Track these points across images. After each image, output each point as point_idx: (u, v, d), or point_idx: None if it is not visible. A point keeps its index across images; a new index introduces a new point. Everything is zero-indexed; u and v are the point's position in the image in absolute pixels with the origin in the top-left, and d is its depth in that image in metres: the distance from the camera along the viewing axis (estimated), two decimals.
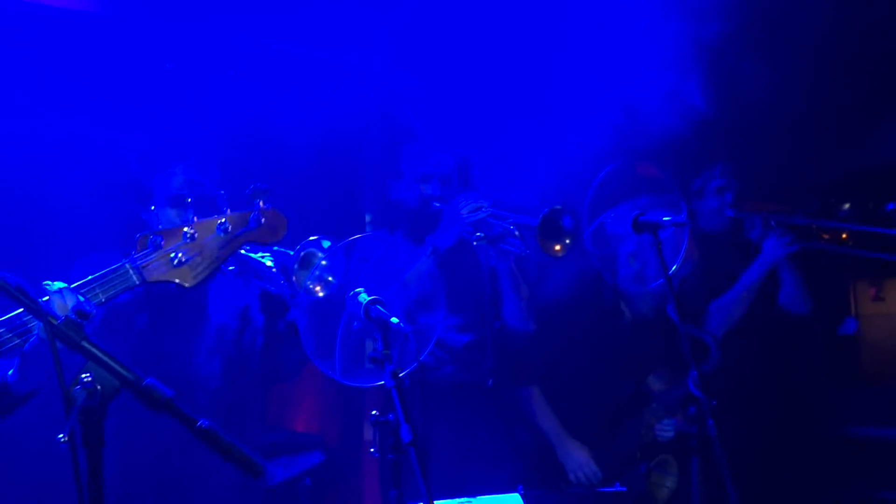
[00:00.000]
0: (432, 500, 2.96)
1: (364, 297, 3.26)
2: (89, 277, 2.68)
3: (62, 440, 2.13)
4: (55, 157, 4.48)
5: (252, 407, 4.12)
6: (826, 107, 5.06)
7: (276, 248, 3.78)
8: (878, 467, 4.97)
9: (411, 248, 4.18)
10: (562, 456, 4.63)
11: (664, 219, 3.64)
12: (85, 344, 2.21)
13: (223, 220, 2.78)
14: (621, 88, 4.79)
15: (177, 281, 2.76)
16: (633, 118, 4.76)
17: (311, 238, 3.73)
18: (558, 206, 3.98)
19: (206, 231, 2.76)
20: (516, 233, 4.15)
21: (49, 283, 2.61)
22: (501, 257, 4.27)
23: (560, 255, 3.99)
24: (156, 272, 2.73)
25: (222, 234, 2.77)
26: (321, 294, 3.66)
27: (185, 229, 2.75)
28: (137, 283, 2.71)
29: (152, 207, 3.90)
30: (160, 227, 2.86)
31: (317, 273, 3.65)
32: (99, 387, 2.20)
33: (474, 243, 4.23)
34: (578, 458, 4.60)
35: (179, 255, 2.73)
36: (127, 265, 2.71)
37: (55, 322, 2.20)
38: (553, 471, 4.55)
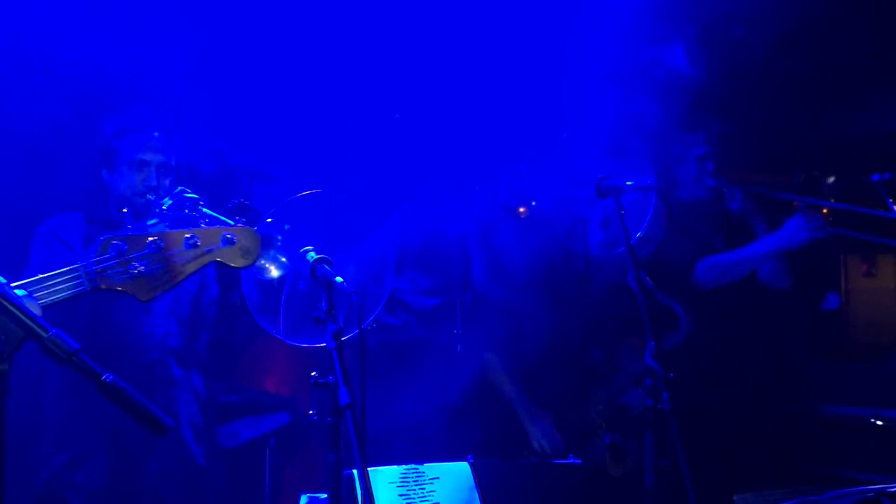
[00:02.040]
0: (366, 466, 2.92)
1: (312, 256, 3.19)
2: (39, 276, 2.55)
3: None
4: (24, 109, 4.35)
5: (210, 366, 4.10)
6: (812, 75, 4.92)
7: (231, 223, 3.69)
8: (850, 445, 4.89)
9: (373, 213, 4.11)
10: (526, 424, 4.59)
11: (627, 183, 3.53)
12: None
13: (192, 233, 2.63)
14: (603, 53, 4.67)
15: (131, 293, 2.59)
16: (617, 82, 4.65)
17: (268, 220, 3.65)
18: (521, 167, 3.89)
19: (173, 243, 2.60)
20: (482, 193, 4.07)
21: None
22: (470, 221, 4.21)
23: (524, 216, 3.90)
24: (111, 280, 2.58)
25: (190, 250, 2.63)
26: (275, 275, 3.58)
27: (151, 238, 2.59)
28: (88, 289, 2.57)
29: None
30: (129, 226, 2.68)
31: (272, 253, 3.56)
32: (2, 336, 2.15)
33: None
34: (542, 427, 4.55)
35: (140, 266, 2.57)
36: (81, 270, 2.57)
37: None
38: (512, 440, 4.50)
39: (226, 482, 4.24)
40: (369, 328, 3.87)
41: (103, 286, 2.54)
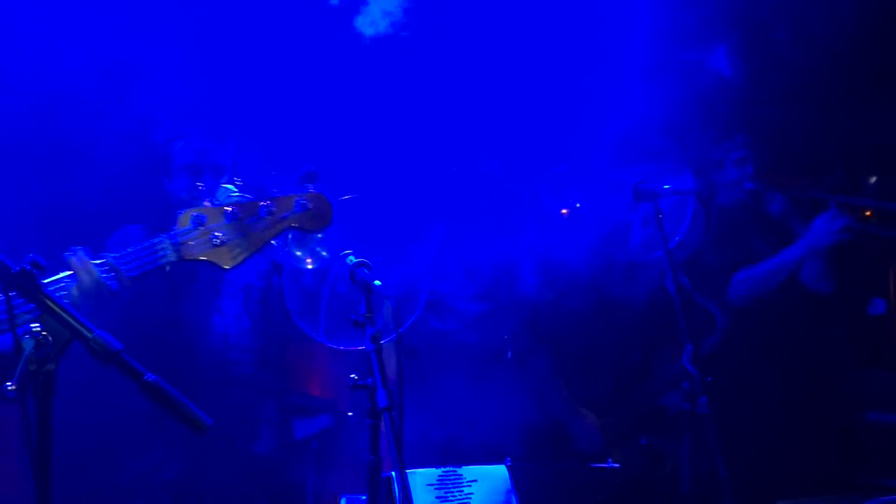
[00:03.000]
0: (404, 468, 2.95)
1: (351, 259, 3.24)
2: (129, 249, 2.67)
3: (9, 388, 2.16)
4: (83, 128, 4.43)
5: (278, 365, 4.15)
6: (853, 76, 4.85)
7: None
8: (894, 453, 4.81)
9: (417, 217, 4.14)
10: (571, 425, 4.60)
11: (665, 186, 3.52)
12: (39, 295, 2.23)
13: (267, 202, 2.71)
14: (644, 55, 4.67)
15: (214, 261, 2.70)
16: (656, 84, 4.64)
17: None
18: (562, 168, 3.91)
19: (249, 212, 2.70)
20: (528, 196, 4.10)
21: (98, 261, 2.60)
22: (516, 225, 4.23)
23: (566, 218, 3.91)
24: (194, 250, 2.68)
25: (266, 217, 2.71)
26: (311, 266, 3.63)
27: (228, 209, 2.69)
28: (174, 259, 2.67)
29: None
30: (206, 202, 2.76)
31: (311, 245, 3.62)
32: (49, 337, 2.22)
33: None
34: (587, 427, 4.56)
35: (220, 234, 2.67)
36: (166, 241, 2.67)
37: (10, 272, 2.22)
38: (554, 444, 4.51)
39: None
40: (411, 332, 3.91)
41: (187, 256, 2.64)
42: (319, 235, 3.60)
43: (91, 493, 3.61)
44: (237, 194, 2.74)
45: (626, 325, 4.62)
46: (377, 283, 3.12)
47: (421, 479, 3.50)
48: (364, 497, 3.44)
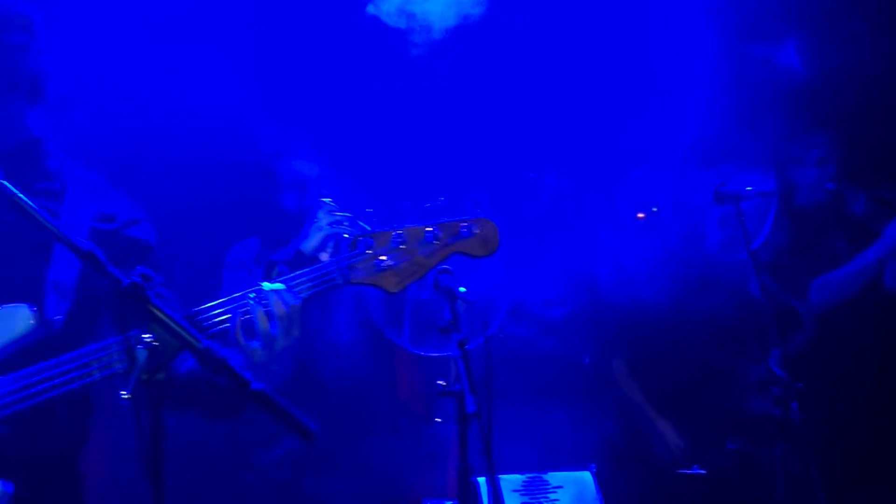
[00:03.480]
0: (494, 473, 2.97)
1: (436, 267, 3.27)
2: (297, 273, 2.69)
3: (124, 397, 2.22)
4: (201, 145, 4.56)
5: (387, 372, 4.21)
6: None
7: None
8: None
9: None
10: (650, 431, 4.58)
11: (747, 189, 3.49)
12: (148, 306, 2.29)
13: (434, 227, 2.74)
14: (712, 52, 4.64)
15: (379, 285, 2.72)
16: (728, 82, 4.61)
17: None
18: (639, 172, 3.90)
19: (415, 237, 2.73)
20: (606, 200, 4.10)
21: (266, 283, 2.64)
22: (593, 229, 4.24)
23: (643, 220, 3.91)
24: (360, 274, 2.71)
25: (433, 242, 2.74)
26: None
27: (395, 233, 2.72)
28: (341, 283, 2.70)
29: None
30: (371, 229, 2.78)
31: None
32: (160, 347, 2.28)
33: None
34: (667, 433, 4.53)
35: (386, 259, 2.70)
36: (335, 266, 2.71)
37: (121, 284, 2.28)
38: (637, 451, 4.49)
39: None
40: (494, 337, 3.94)
41: (354, 280, 2.67)
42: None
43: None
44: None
45: (706, 328, 4.57)
46: (462, 289, 3.15)
47: (506, 484, 3.51)
48: (448, 501, 3.48)
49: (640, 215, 3.93)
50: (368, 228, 3.75)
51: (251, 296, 2.62)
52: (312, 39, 4.68)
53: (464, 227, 2.71)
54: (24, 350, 2.54)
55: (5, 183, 2.34)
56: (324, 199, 3.85)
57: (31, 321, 2.55)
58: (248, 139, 4.33)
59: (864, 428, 4.37)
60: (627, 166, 4.19)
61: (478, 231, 2.71)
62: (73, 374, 2.53)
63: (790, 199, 4.50)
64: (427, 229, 2.68)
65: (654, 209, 3.99)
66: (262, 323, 2.60)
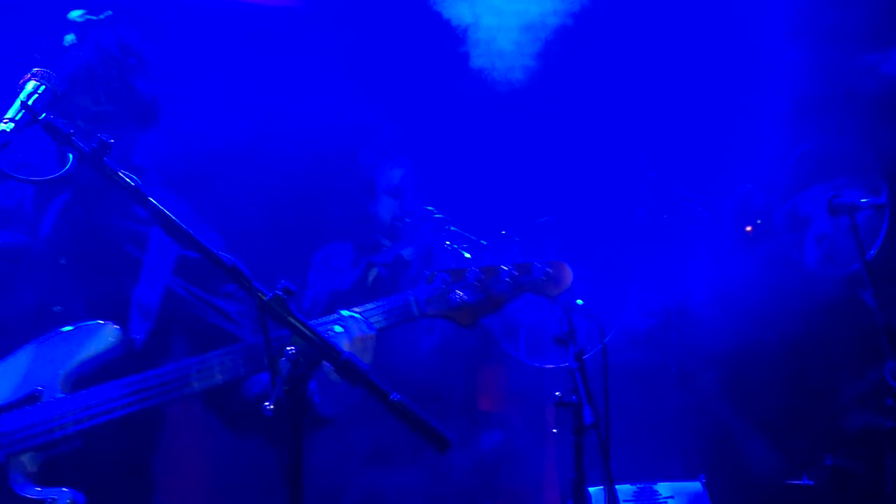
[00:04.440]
0: (613, 483, 3.00)
1: None
2: (373, 305, 2.77)
3: (269, 408, 2.29)
4: (290, 146, 4.70)
5: (458, 384, 4.28)
6: None
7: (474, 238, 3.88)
8: None
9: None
10: (743, 444, 4.55)
11: (862, 200, 3.46)
12: (290, 319, 2.36)
13: (509, 267, 2.83)
14: (813, 58, 4.60)
15: (453, 319, 2.81)
16: (829, 90, 4.56)
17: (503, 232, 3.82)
18: (750, 186, 3.89)
19: (490, 275, 2.82)
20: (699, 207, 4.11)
21: (344, 311, 2.72)
22: (690, 241, 4.24)
23: (750, 233, 3.90)
24: (435, 308, 2.80)
25: (507, 280, 2.82)
26: None
27: (471, 269, 2.83)
28: (417, 316, 2.79)
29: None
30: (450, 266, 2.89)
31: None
32: (301, 358, 2.36)
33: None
34: (756, 448, 4.51)
35: (462, 294, 2.79)
36: (412, 299, 2.80)
37: (264, 298, 2.36)
38: (735, 460, 4.47)
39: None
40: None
41: (429, 313, 2.76)
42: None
43: None
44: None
45: (802, 343, 4.54)
46: (580, 302, 3.19)
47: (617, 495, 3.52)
48: None
49: (748, 228, 3.92)
50: (470, 237, 3.86)
51: (335, 318, 2.68)
52: (412, 60, 4.80)
53: (537, 267, 2.78)
54: (106, 366, 2.62)
55: (153, 201, 2.43)
56: (427, 208, 3.94)
57: (115, 339, 2.64)
58: (348, 149, 4.48)
59: None
60: (736, 180, 4.18)
61: (550, 272, 2.79)
62: (176, 384, 2.61)
63: None
64: (503, 268, 2.76)
65: (759, 221, 3.98)
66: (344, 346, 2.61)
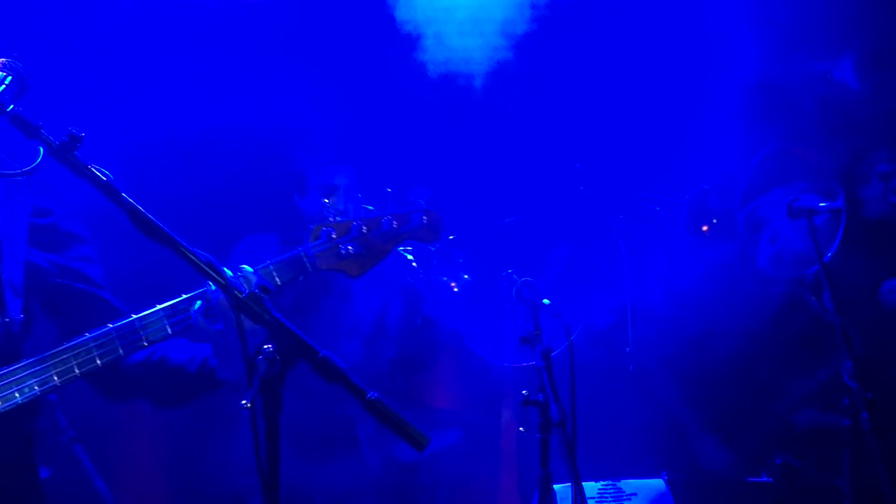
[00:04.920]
0: (580, 481, 3.03)
1: (516, 279, 3.35)
2: (267, 262, 2.81)
3: (246, 406, 2.27)
4: (217, 141, 4.71)
5: (386, 384, 4.29)
6: None
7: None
8: None
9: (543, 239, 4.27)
10: (694, 442, 4.63)
11: (820, 204, 3.56)
12: (267, 316, 2.35)
13: (388, 217, 2.91)
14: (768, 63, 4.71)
15: (344, 271, 2.89)
16: (785, 95, 4.67)
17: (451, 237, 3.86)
18: (706, 187, 3.97)
19: (372, 227, 2.90)
20: (657, 207, 4.17)
21: (242, 266, 2.73)
22: (646, 240, 4.31)
23: (706, 234, 3.98)
24: (326, 262, 2.87)
25: (388, 230, 2.90)
26: (455, 290, 3.79)
27: (354, 223, 2.88)
28: (311, 271, 2.85)
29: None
30: (332, 218, 2.96)
31: (453, 269, 3.78)
32: (279, 357, 2.34)
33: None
34: (709, 446, 4.59)
35: (349, 247, 2.87)
36: (302, 254, 2.84)
37: (240, 296, 2.34)
38: (690, 457, 4.55)
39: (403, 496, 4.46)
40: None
41: (321, 267, 2.84)
42: (432, 248, 3.77)
43: None
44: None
45: (754, 343, 4.63)
46: (546, 301, 3.22)
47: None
48: None
49: (705, 228, 4.00)
50: None
51: (213, 287, 2.68)
52: (357, 59, 4.81)
53: (415, 216, 2.89)
54: None
55: (126, 197, 2.40)
56: (367, 207, 3.97)
57: None
58: (279, 145, 4.51)
59: None
60: (695, 181, 4.25)
61: (426, 220, 2.89)
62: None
63: (856, 215, 4.55)
64: (384, 218, 2.87)
65: (715, 221, 4.06)
66: (224, 307, 2.68)
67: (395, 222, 2.88)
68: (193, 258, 2.37)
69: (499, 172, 4.48)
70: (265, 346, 2.32)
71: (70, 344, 2.66)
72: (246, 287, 2.55)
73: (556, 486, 3.31)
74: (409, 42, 4.79)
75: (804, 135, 4.53)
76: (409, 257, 3.96)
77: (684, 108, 4.60)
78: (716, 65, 4.77)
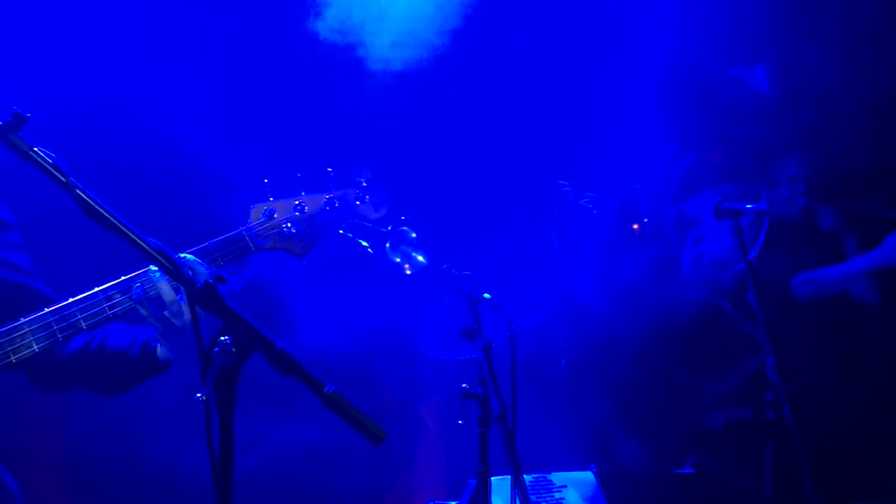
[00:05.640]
0: (521, 473, 3.06)
1: (455, 273, 3.35)
2: (209, 243, 2.76)
3: (200, 399, 2.21)
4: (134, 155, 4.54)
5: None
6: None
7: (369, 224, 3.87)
8: None
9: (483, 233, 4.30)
10: (613, 439, 4.74)
11: (747, 206, 3.68)
12: (222, 307, 2.29)
13: (329, 195, 2.89)
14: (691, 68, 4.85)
15: (287, 250, 2.87)
16: (701, 102, 4.82)
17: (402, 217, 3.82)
18: (637, 186, 4.06)
19: (314, 205, 2.88)
20: (590, 206, 4.24)
21: (182, 254, 2.67)
22: (580, 235, 4.37)
23: (637, 232, 4.07)
24: (268, 241, 2.84)
25: (328, 209, 2.89)
26: (409, 272, 3.75)
27: (296, 202, 2.86)
28: (253, 250, 2.81)
29: None
30: (271, 198, 2.93)
31: (407, 250, 3.73)
32: (235, 349, 2.29)
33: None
34: (627, 443, 4.71)
35: (289, 226, 2.84)
36: (244, 233, 2.81)
37: (194, 287, 2.28)
38: (618, 451, 4.65)
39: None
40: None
41: (263, 247, 2.82)
42: (413, 235, 3.74)
43: None
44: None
45: (673, 344, 4.77)
46: (487, 295, 3.24)
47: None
48: (452, 502, 3.56)
49: (635, 226, 4.10)
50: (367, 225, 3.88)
51: (153, 269, 2.66)
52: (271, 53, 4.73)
53: (355, 193, 2.90)
54: None
55: (72, 180, 2.30)
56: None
57: None
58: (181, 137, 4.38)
59: (839, 429, 4.60)
60: (627, 180, 4.35)
61: (368, 198, 2.91)
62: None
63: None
64: (326, 197, 2.87)
65: (646, 220, 4.16)
66: (168, 294, 2.65)
67: (336, 201, 2.88)
68: (143, 245, 2.30)
69: (437, 167, 4.47)
70: (222, 338, 2.27)
71: (3, 328, 2.55)
72: (198, 277, 2.49)
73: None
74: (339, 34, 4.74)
75: (720, 138, 4.68)
76: (364, 243, 3.90)
77: (617, 110, 4.68)
78: (638, 67, 4.88)
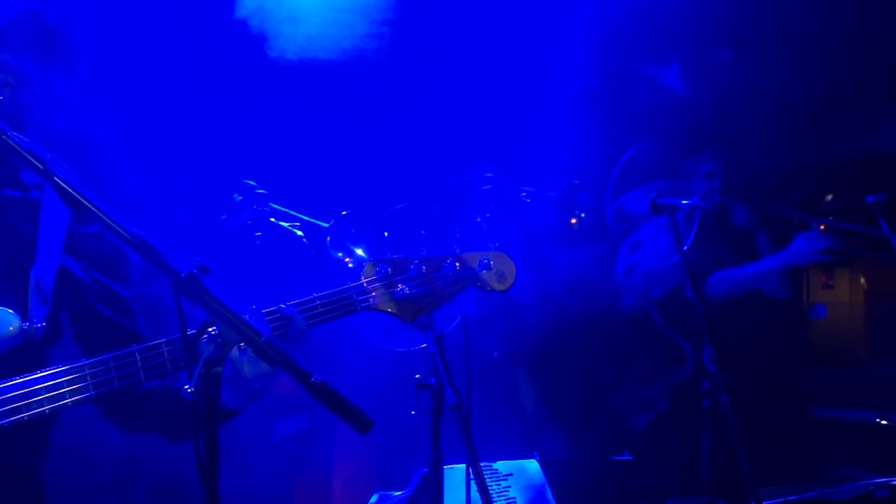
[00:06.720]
0: (478, 462, 3.11)
1: None
2: (314, 296, 2.60)
3: (189, 391, 2.19)
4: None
5: None
6: (813, 96, 5.28)
7: (306, 218, 3.85)
8: (844, 449, 5.30)
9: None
10: (538, 434, 4.86)
11: (683, 202, 3.81)
12: (207, 298, 2.26)
13: (452, 258, 2.74)
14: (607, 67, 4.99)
15: (396, 314, 2.70)
16: (617, 100, 4.97)
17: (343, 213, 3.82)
18: (576, 181, 4.15)
19: (434, 268, 2.73)
20: (527, 200, 4.31)
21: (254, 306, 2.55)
22: (514, 229, 4.44)
23: (575, 227, 4.17)
24: (377, 301, 2.67)
25: (450, 274, 2.74)
26: (351, 265, 3.76)
27: (415, 261, 2.70)
28: (358, 310, 2.64)
29: None
30: (392, 256, 2.73)
31: (347, 244, 3.74)
32: (220, 340, 2.27)
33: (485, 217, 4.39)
34: (553, 438, 4.84)
35: (405, 287, 2.67)
36: (352, 292, 2.66)
37: (179, 277, 2.24)
38: (559, 439, 4.76)
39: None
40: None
41: (371, 307, 2.64)
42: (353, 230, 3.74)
43: None
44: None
45: (605, 344, 4.89)
46: None
47: (459, 474, 3.64)
48: (398, 493, 3.59)
49: (573, 221, 4.20)
50: (301, 216, 3.85)
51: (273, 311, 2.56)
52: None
53: (482, 260, 2.73)
54: (6, 356, 2.44)
55: (49, 167, 2.23)
56: (248, 182, 3.89)
57: (13, 328, 2.47)
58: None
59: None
60: (567, 175, 4.44)
61: (494, 265, 2.75)
62: (71, 391, 2.42)
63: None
64: (447, 260, 2.71)
65: (583, 215, 4.27)
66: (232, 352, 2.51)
67: (457, 265, 2.70)
68: (124, 233, 2.25)
69: (380, 162, 4.47)
70: (209, 329, 2.25)
71: (88, 361, 2.44)
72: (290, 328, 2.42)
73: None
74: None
75: (646, 135, 4.84)
76: (300, 234, 3.87)
77: (553, 107, 4.77)
78: (563, 64, 4.99)
